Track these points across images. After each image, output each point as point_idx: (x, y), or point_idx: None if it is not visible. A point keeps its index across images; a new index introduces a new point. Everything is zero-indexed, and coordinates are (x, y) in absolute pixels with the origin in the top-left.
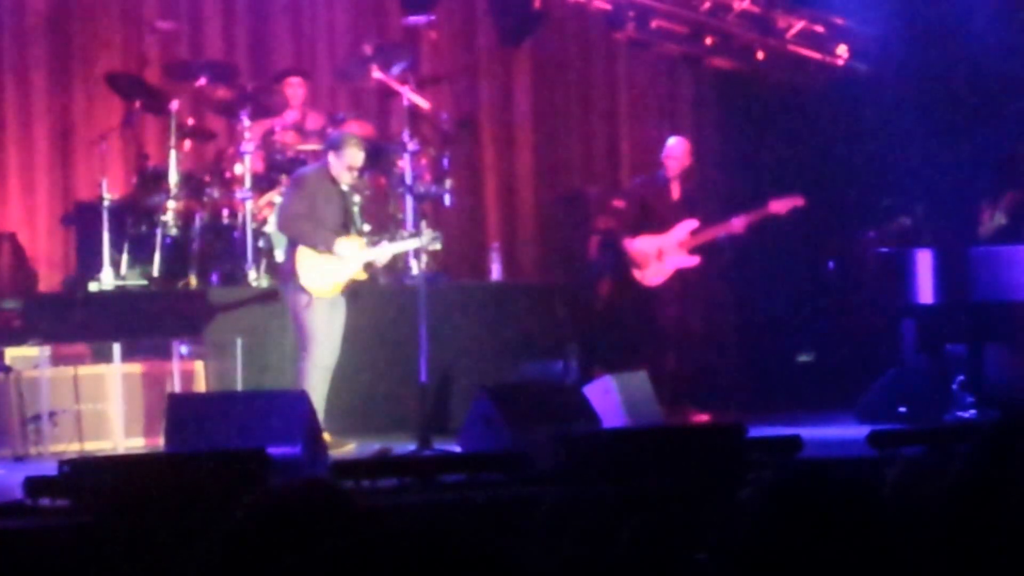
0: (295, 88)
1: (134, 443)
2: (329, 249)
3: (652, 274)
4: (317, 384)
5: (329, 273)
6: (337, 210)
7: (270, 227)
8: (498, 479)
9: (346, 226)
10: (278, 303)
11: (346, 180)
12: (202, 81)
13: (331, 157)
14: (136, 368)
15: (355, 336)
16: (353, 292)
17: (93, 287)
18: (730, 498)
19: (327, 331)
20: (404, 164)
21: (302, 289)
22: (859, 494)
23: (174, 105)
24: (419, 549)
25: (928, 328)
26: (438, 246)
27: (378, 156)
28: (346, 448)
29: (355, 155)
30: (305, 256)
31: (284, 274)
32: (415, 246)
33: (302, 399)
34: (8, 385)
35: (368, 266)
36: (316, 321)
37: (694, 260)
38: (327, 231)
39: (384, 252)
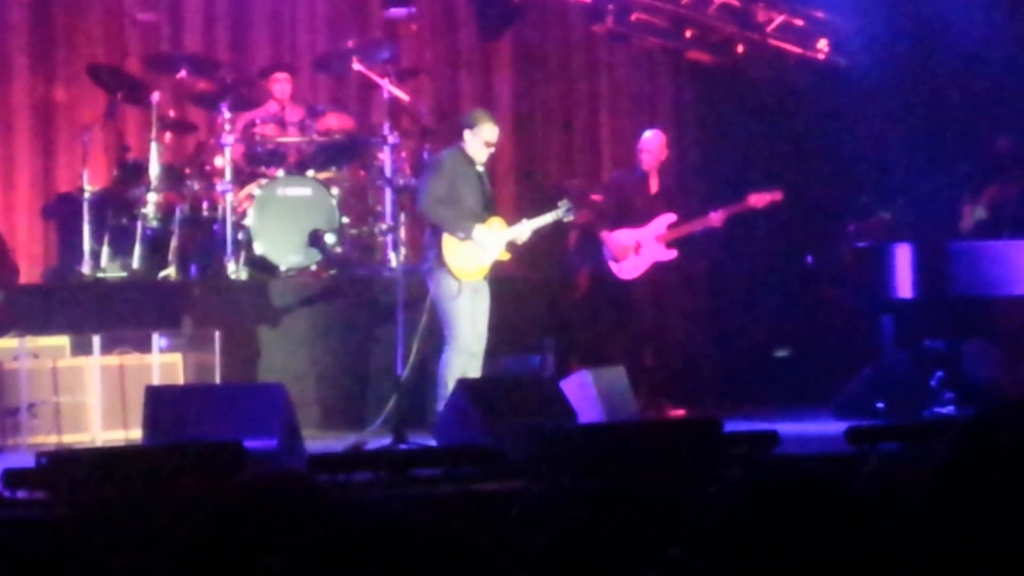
0: (282, 84)
1: (112, 435)
2: (469, 236)
3: (629, 267)
4: (463, 371)
5: (474, 257)
6: (476, 192)
7: (249, 219)
8: (473, 473)
9: (486, 207)
10: (257, 296)
11: (482, 158)
12: (183, 73)
13: (467, 135)
14: (115, 360)
15: (332, 329)
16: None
17: (73, 279)
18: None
19: (472, 316)
20: (384, 157)
21: (451, 276)
22: (832, 489)
23: (155, 97)
24: (393, 543)
25: (907, 323)
26: (572, 217)
27: (358, 149)
28: None
29: (491, 130)
30: (450, 242)
31: (429, 261)
32: (553, 219)
33: (280, 392)
34: None
35: (510, 245)
36: (463, 308)
37: (671, 254)
38: (466, 218)
39: (524, 229)
